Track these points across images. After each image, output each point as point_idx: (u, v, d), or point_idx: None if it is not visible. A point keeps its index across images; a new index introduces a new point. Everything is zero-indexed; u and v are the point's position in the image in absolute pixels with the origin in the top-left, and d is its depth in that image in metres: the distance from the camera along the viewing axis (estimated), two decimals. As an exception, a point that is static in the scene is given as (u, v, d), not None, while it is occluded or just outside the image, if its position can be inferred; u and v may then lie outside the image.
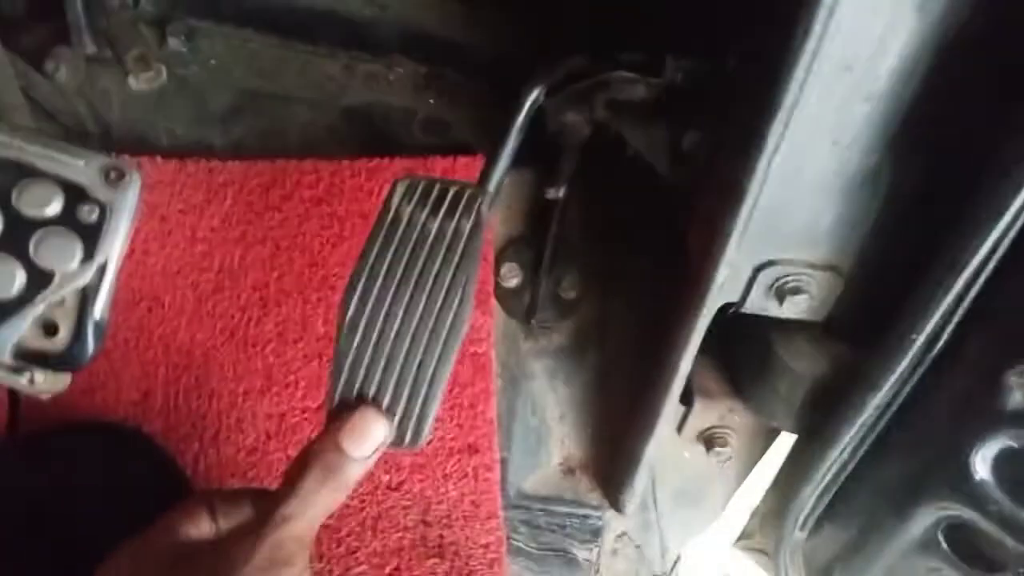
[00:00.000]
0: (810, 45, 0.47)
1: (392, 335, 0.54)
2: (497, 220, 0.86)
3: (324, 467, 0.51)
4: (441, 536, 0.80)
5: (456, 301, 0.54)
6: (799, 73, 0.48)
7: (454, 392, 0.81)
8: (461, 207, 0.55)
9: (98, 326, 0.51)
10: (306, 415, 0.80)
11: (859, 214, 0.57)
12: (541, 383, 0.86)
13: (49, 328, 0.50)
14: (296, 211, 0.85)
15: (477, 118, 0.88)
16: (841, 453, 0.63)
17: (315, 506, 0.51)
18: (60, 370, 0.52)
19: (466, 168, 0.84)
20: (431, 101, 0.88)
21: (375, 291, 0.54)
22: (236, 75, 0.88)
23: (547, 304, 0.85)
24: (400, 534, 0.79)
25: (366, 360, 0.54)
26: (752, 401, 0.73)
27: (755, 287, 0.60)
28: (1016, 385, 0.52)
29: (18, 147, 0.50)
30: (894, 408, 0.59)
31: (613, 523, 0.85)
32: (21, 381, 0.51)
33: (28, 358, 0.50)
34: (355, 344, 0.54)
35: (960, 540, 0.60)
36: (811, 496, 0.67)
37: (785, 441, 0.74)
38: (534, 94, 0.69)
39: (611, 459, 0.83)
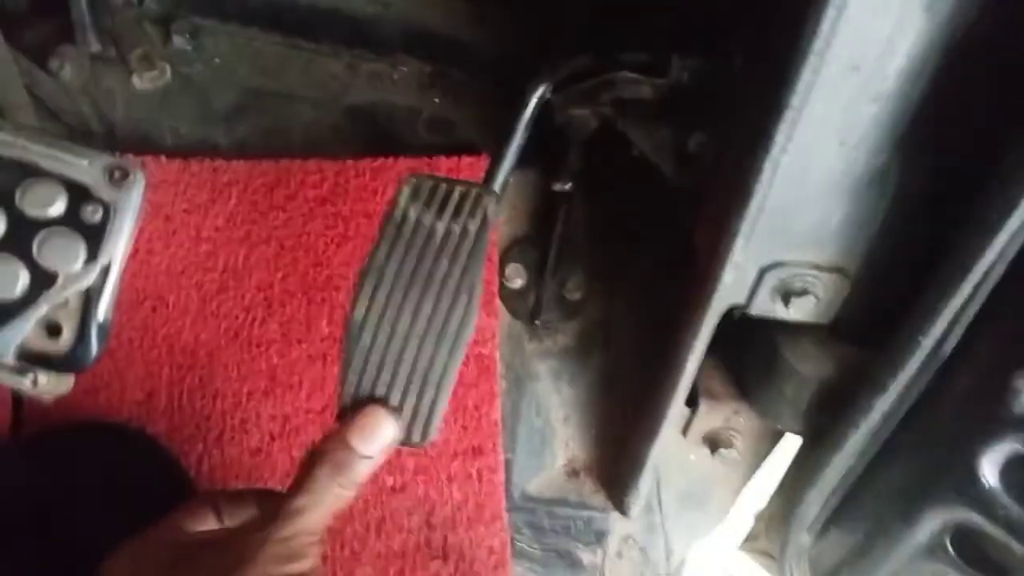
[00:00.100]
0: (818, 45, 0.46)
1: (400, 336, 0.54)
2: (501, 220, 0.85)
3: (334, 464, 0.52)
4: (445, 538, 0.79)
5: (463, 302, 0.54)
6: (807, 74, 0.47)
7: (458, 393, 0.81)
8: (467, 209, 0.56)
9: (102, 327, 0.51)
10: (310, 416, 0.80)
11: (866, 215, 0.57)
12: (546, 384, 0.86)
13: (52, 329, 0.50)
14: (300, 211, 0.84)
15: (482, 117, 0.88)
16: (847, 456, 0.62)
17: (325, 502, 0.52)
18: (63, 372, 0.52)
19: (471, 168, 0.84)
20: (436, 100, 0.88)
21: (383, 293, 0.55)
22: (240, 74, 0.88)
23: (552, 305, 0.85)
24: (404, 537, 0.79)
25: (375, 360, 0.54)
26: (758, 403, 0.72)
27: (761, 288, 0.60)
28: (1025, 388, 0.52)
29: (22, 146, 0.50)
30: (901, 411, 0.59)
31: (618, 525, 0.85)
32: (24, 383, 0.50)
33: (31, 360, 0.50)
34: (364, 345, 0.54)
35: (966, 545, 0.60)
36: (817, 499, 0.66)
37: (790, 443, 0.73)
38: (539, 91, 0.69)
39: (616, 461, 0.82)
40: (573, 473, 0.85)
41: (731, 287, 0.60)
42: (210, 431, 0.80)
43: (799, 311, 0.60)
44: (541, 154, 0.78)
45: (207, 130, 0.90)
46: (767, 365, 0.67)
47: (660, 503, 0.84)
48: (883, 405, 0.58)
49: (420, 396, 0.54)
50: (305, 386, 0.81)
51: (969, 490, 0.55)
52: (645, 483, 0.79)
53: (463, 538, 0.80)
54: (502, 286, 0.85)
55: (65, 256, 0.50)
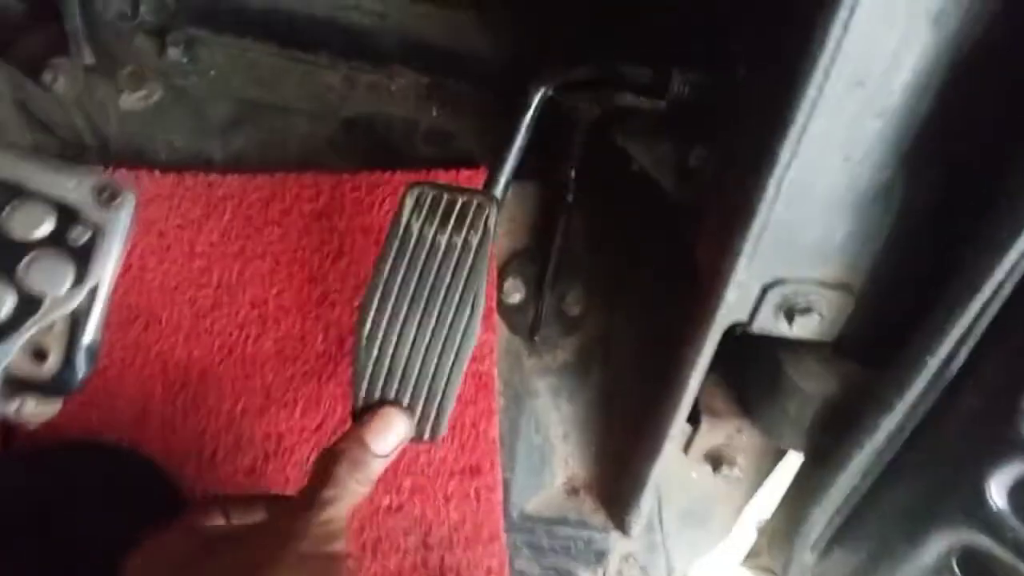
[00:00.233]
0: (823, 61, 0.46)
1: (407, 344, 0.59)
2: (501, 233, 0.84)
3: (351, 462, 0.56)
4: (442, 559, 0.78)
5: (467, 311, 0.59)
6: (811, 90, 0.47)
7: (456, 411, 0.80)
8: (469, 220, 0.60)
9: (89, 350, 0.50)
10: (304, 435, 0.79)
11: (871, 231, 0.56)
12: (545, 401, 0.85)
13: (38, 354, 0.49)
14: (296, 225, 0.83)
15: (481, 128, 0.87)
16: (852, 476, 0.61)
17: (347, 496, 0.55)
18: (50, 396, 0.51)
19: (469, 180, 0.82)
20: (434, 112, 0.87)
21: (390, 304, 0.59)
22: (235, 85, 0.87)
23: (551, 320, 0.84)
24: (400, 557, 0.78)
25: (385, 367, 0.59)
26: (760, 421, 0.71)
27: (764, 306, 0.59)
28: (1034, 409, 0.51)
29: (9, 166, 0.49)
30: (907, 431, 0.58)
31: (618, 545, 0.83)
32: (10, 409, 0.49)
33: (17, 385, 0.49)
34: (373, 353, 0.59)
35: (972, 566, 0.59)
36: (820, 518, 0.65)
37: (793, 458, 0.73)
38: (541, 92, 0.69)
39: (616, 479, 0.81)
40: (573, 491, 0.84)
41: (733, 305, 0.59)
42: (204, 450, 0.78)
43: (803, 329, 0.60)
44: (540, 164, 0.77)
45: (202, 143, 0.89)
46: (770, 382, 0.66)
47: (661, 521, 0.83)
48: (888, 424, 0.58)
49: (428, 397, 0.60)
50: (300, 404, 0.79)
51: (977, 512, 0.55)
52: (646, 501, 0.78)
53: (460, 559, 0.78)
54: (500, 301, 0.84)
55: (52, 279, 0.49)
